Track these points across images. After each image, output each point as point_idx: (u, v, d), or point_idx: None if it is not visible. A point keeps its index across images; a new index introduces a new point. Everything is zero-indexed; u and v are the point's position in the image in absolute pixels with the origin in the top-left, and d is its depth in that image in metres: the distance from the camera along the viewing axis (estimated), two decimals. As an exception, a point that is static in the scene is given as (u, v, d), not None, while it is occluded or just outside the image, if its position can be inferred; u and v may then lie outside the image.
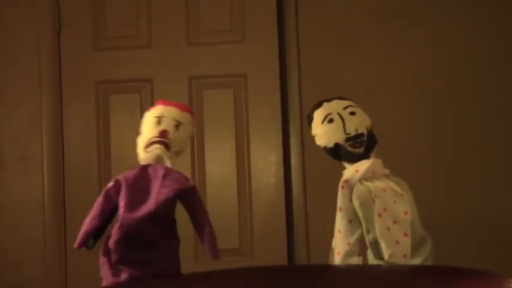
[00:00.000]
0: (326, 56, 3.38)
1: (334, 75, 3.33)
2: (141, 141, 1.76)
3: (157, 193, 1.64)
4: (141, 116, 3.36)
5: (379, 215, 1.63)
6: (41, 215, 3.40)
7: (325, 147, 1.76)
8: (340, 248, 1.70)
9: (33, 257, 3.39)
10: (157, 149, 1.72)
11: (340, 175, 1.78)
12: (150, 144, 1.73)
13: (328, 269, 1.57)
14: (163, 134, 1.75)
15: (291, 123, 3.38)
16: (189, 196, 1.68)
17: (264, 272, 1.49)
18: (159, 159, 1.72)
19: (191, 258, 3.20)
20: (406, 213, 1.65)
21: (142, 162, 1.73)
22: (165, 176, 1.67)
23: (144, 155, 1.73)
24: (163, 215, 1.65)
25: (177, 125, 1.78)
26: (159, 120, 1.77)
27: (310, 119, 1.80)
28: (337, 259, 1.71)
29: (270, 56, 3.38)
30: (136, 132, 3.52)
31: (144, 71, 3.44)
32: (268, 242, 3.34)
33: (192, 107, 3.37)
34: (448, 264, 1.47)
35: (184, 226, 1.71)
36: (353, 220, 1.68)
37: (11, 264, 3.39)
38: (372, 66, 3.35)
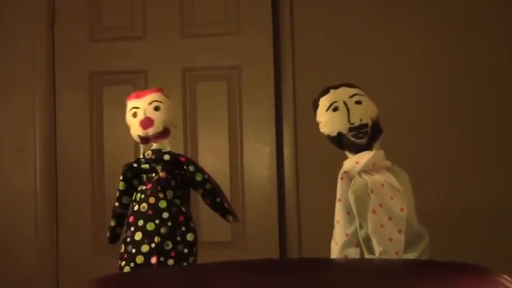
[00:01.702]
0: (321, 48, 3.37)
1: (328, 67, 3.33)
2: None
3: None
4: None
5: (374, 211, 1.62)
6: (33, 203, 3.40)
7: (328, 136, 1.75)
8: (338, 239, 1.70)
9: (25, 245, 3.40)
10: None
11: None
12: None
13: (320, 262, 1.57)
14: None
15: (285, 115, 3.38)
16: None
17: (256, 266, 1.49)
18: None
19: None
20: (402, 209, 1.65)
21: None
22: None
23: None
24: None
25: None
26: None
27: (315, 106, 1.78)
28: (335, 249, 1.71)
29: (264, 48, 3.37)
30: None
31: (138, 62, 3.43)
32: (260, 235, 3.34)
33: (186, 99, 3.39)
34: (444, 258, 1.47)
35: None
36: (351, 212, 1.68)
37: (3, 250, 3.39)
38: (368, 56, 3.34)
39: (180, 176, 1.88)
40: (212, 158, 3.38)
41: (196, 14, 3.43)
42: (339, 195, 1.70)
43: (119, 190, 1.91)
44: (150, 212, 1.81)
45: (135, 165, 1.89)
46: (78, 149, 3.42)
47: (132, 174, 1.91)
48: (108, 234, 1.92)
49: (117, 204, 1.91)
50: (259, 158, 3.37)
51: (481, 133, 3.30)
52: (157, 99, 1.92)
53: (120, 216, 1.90)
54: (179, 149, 3.32)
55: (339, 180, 1.70)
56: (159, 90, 1.96)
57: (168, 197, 1.83)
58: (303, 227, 3.33)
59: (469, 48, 3.32)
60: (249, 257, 3.13)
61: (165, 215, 1.81)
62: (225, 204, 1.92)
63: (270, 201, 3.35)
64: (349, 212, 1.68)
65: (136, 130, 1.90)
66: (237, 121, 3.39)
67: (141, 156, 1.91)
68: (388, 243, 1.62)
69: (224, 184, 3.35)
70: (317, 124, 1.80)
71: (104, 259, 3.33)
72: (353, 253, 1.68)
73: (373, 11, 3.36)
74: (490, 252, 3.17)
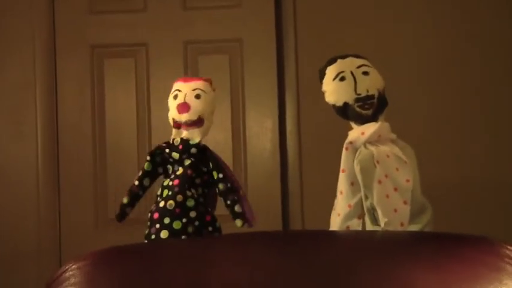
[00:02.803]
0: (323, 20, 3.35)
1: (331, 40, 3.30)
2: None
3: None
4: (136, 81, 3.39)
5: (379, 182, 1.61)
6: (34, 179, 3.40)
7: (333, 105, 1.73)
8: (340, 210, 1.69)
9: (27, 219, 3.40)
10: None
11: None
12: None
13: (323, 234, 1.56)
14: None
15: (287, 88, 3.36)
16: None
17: (259, 237, 1.49)
18: None
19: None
20: (407, 181, 1.63)
21: None
22: None
23: None
24: None
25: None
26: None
27: (322, 74, 1.75)
28: (337, 220, 1.69)
29: (267, 21, 3.35)
30: (131, 96, 3.51)
31: (139, 35, 3.41)
32: (262, 208, 3.31)
33: (188, 72, 3.38)
34: (446, 229, 1.47)
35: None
36: (355, 183, 1.66)
37: (5, 225, 3.40)
38: (370, 30, 3.32)
39: (207, 176, 1.84)
40: (214, 131, 3.32)
41: (197, -15, 3.41)
42: (343, 165, 1.68)
43: (143, 170, 1.86)
44: (177, 210, 1.76)
45: (167, 150, 1.84)
46: (80, 122, 3.41)
47: (160, 160, 1.86)
48: (119, 211, 1.88)
49: (136, 183, 1.86)
50: (261, 131, 3.36)
51: (484, 102, 3.30)
52: (201, 87, 1.87)
53: (135, 196, 1.87)
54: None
55: (343, 150, 1.68)
56: (208, 80, 1.92)
57: (195, 196, 1.80)
58: (306, 200, 3.33)
59: (479, 14, 3.31)
60: (251, 230, 3.13)
61: (193, 214, 1.77)
62: (236, 208, 1.83)
63: (273, 174, 3.34)
64: (353, 183, 1.67)
65: (172, 113, 1.87)
66: (239, 94, 3.37)
67: (171, 142, 1.86)
68: (393, 214, 1.60)
69: (227, 157, 3.33)
70: (320, 96, 1.78)
71: (106, 234, 3.35)
72: (355, 225, 1.67)
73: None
74: (493, 223, 3.17)
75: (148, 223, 1.79)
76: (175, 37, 3.39)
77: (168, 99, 1.88)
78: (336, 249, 1.35)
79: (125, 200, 1.85)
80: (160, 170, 1.85)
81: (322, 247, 1.36)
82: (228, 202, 1.81)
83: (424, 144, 3.15)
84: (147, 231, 1.80)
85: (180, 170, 1.80)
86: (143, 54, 3.41)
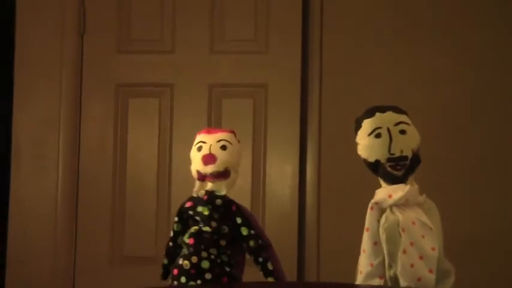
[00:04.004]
0: (348, 71, 3.36)
1: (356, 89, 3.32)
2: None
3: None
4: (160, 121, 3.39)
5: (404, 251, 1.58)
6: (53, 215, 3.40)
7: (364, 160, 1.70)
8: (362, 268, 1.66)
9: (43, 253, 3.40)
10: None
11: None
12: None
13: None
14: None
15: (309, 136, 3.37)
16: None
17: None
18: None
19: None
20: (433, 249, 1.60)
21: None
22: None
23: None
24: None
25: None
26: None
27: (358, 125, 1.70)
28: (359, 277, 1.67)
29: (292, 68, 3.37)
30: (154, 136, 3.52)
31: (165, 76, 3.44)
32: (278, 255, 3.31)
33: (211, 115, 3.39)
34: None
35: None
36: (379, 243, 1.63)
37: (20, 258, 3.40)
38: (396, 80, 3.33)
39: (230, 235, 1.80)
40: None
41: (225, 31, 3.43)
42: (367, 224, 1.64)
43: (174, 231, 1.82)
44: (192, 271, 1.74)
45: (190, 212, 1.80)
46: (101, 160, 3.42)
47: (187, 216, 1.82)
48: (162, 271, 1.86)
49: (171, 244, 1.83)
50: (281, 177, 3.36)
51: (503, 156, 3.30)
52: (226, 139, 1.83)
53: (173, 255, 1.84)
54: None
55: (368, 210, 1.64)
56: (233, 132, 1.90)
57: (212, 256, 1.76)
58: (323, 248, 3.31)
59: (502, 68, 3.32)
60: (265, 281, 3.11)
61: (208, 276, 1.73)
62: (268, 265, 1.81)
63: (290, 221, 3.33)
64: (376, 243, 1.63)
65: (196, 165, 1.83)
66: (261, 139, 3.38)
67: (195, 195, 1.83)
68: (416, 283, 1.57)
69: (245, 202, 3.33)
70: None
71: (120, 270, 3.35)
72: (376, 284, 1.64)
73: (404, 35, 3.35)
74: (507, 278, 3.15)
75: (171, 275, 1.78)
76: (201, 80, 3.41)
77: (191, 149, 1.84)
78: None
79: (165, 261, 1.83)
80: (191, 222, 1.81)
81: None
82: (260, 260, 1.78)
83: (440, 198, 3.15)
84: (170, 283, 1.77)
85: (196, 228, 1.77)
86: (168, 95, 3.43)
